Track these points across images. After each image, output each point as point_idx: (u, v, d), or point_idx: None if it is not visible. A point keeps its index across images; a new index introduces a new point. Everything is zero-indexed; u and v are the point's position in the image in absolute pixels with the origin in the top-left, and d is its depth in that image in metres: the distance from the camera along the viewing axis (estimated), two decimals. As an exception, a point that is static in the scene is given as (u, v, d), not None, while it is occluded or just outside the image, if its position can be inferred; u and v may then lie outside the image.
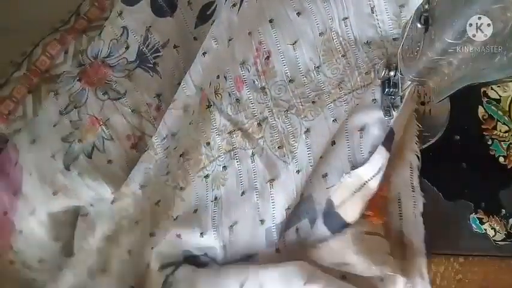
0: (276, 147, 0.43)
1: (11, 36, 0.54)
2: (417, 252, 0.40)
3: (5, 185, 0.50)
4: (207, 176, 0.46)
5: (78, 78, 0.51)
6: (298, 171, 0.42)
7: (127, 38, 0.51)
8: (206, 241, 0.45)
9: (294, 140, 0.43)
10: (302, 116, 0.42)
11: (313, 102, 0.42)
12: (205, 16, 0.53)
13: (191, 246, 0.46)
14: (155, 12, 0.51)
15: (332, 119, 0.41)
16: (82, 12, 0.54)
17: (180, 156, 0.46)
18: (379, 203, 0.40)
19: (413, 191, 0.40)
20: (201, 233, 0.45)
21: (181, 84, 0.48)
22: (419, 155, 0.39)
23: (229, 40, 0.46)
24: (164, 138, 0.47)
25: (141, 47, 0.51)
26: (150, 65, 0.51)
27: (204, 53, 0.47)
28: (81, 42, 0.53)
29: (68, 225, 0.50)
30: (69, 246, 0.48)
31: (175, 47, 0.51)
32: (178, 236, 0.46)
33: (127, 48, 0.51)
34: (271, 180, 0.43)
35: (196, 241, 0.45)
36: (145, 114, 0.49)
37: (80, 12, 0.54)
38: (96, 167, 0.48)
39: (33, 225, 0.49)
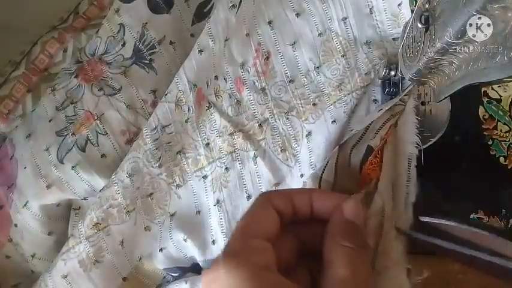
0: (279, 150, 0.43)
1: (10, 35, 0.54)
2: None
3: (1, 179, 0.50)
4: (205, 177, 0.45)
5: (75, 74, 0.51)
6: (301, 175, 0.41)
7: (123, 35, 0.51)
8: (216, 249, 0.44)
9: (296, 144, 0.42)
10: (303, 119, 0.42)
11: (313, 104, 0.42)
12: (202, 13, 0.53)
13: (198, 253, 0.45)
14: (152, 9, 0.51)
15: (331, 120, 0.41)
16: (81, 11, 0.54)
17: (177, 153, 0.46)
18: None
19: (408, 181, 0.38)
20: (213, 241, 0.44)
21: (175, 78, 0.47)
22: (420, 144, 0.38)
23: (226, 40, 0.46)
24: (154, 129, 0.47)
25: (137, 44, 0.50)
26: (146, 62, 0.50)
27: (200, 51, 0.46)
28: (79, 41, 0.53)
29: (61, 219, 0.50)
30: (62, 241, 0.48)
31: (171, 43, 0.51)
32: (185, 240, 0.45)
33: (123, 45, 0.51)
34: (277, 184, 0.42)
35: (205, 248, 0.45)
36: (140, 110, 0.49)
37: (78, 10, 0.54)
38: (89, 160, 0.48)
39: (26, 218, 0.49)
